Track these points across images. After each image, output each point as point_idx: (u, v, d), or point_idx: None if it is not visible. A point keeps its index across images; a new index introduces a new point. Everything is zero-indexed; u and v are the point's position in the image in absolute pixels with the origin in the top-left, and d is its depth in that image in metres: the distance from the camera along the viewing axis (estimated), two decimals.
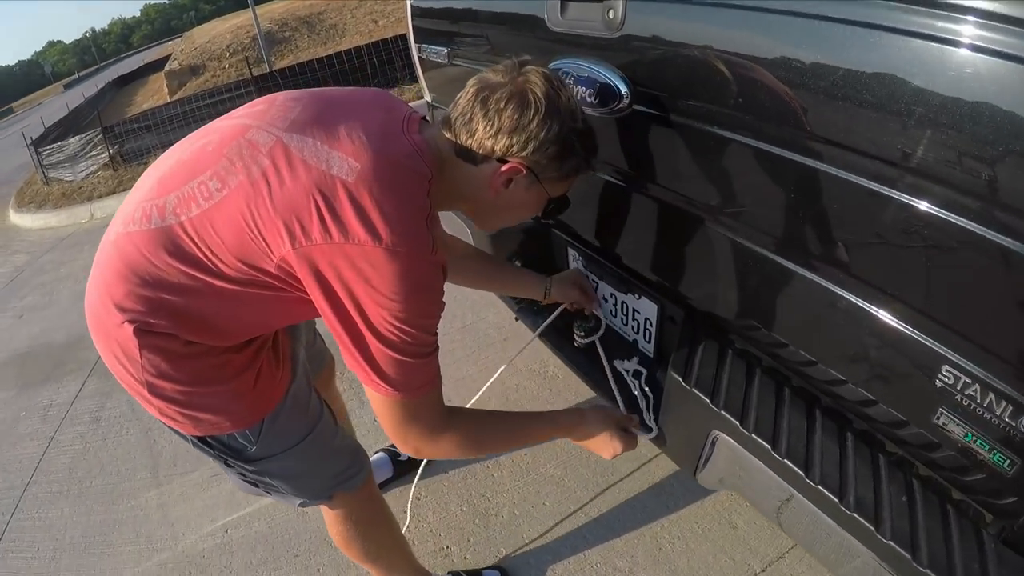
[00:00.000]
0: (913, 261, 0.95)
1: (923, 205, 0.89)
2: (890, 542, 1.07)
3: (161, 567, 2.61)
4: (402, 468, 2.64)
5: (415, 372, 1.22)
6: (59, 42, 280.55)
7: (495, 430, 1.49)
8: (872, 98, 0.89)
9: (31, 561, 2.81)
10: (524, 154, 1.22)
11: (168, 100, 14.72)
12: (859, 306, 1.06)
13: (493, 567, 2.23)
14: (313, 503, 1.64)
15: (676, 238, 1.46)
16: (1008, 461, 0.93)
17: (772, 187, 1.14)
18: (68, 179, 10.59)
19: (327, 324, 1.20)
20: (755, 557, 2.10)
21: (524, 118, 1.19)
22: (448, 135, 1.27)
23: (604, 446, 1.61)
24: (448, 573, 2.17)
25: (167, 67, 23.77)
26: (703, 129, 1.22)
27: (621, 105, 1.37)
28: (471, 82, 1.26)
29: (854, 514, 1.12)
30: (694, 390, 1.39)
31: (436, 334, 1.25)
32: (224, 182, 1.16)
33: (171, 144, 1.35)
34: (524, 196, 1.31)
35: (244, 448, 1.42)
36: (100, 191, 9.25)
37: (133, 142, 10.79)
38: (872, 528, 1.09)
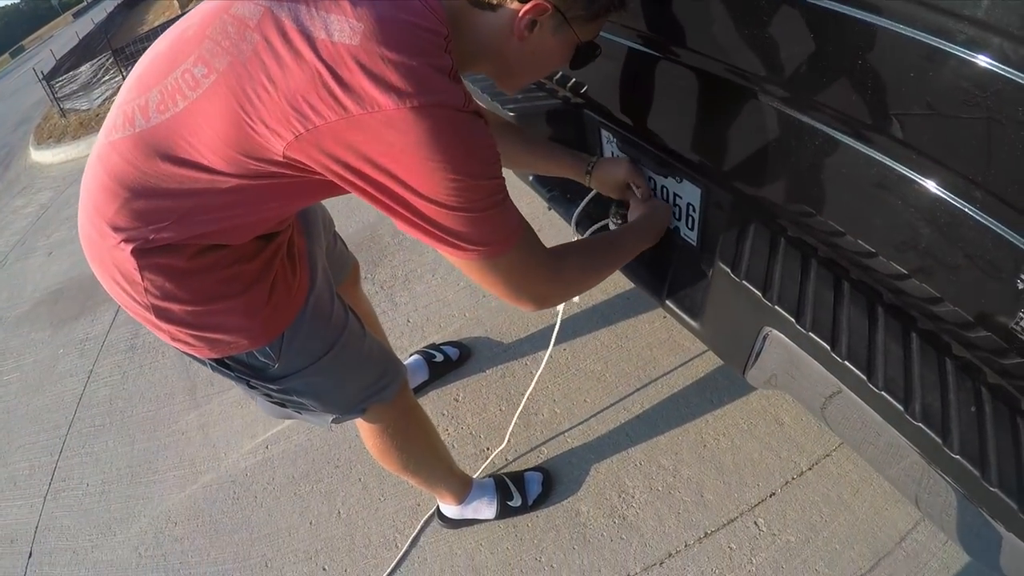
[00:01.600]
0: (1000, 139, 0.82)
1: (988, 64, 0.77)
2: (958, 456, 0.97)
3: (206, 489, 2.63)
4: (438, 370, 2.59)
5: (496, 223, 1.09)
6: None
7: (604, 250, 1.40)
8: None
9: (82, 498, 2.83)
10: None
11: (179, 13, 14.32)
12: (930, 191, 0.94)
13: (535, 468, 2.18)
14: (346, 418, 1.55)
15: (721, 114, 1.32)
16: None
17: (831, 49, 1.01)
18: (84, 108, 10.41)
19: (373, 205, 1.05)
20: (802, 455, 2.05)
21: None
22: None
23: (662, 222, 1.56)
24: (489, 477, 2.14)
25: None
26: None
27: None
28: None
29: (920, 424, 1.01)
30: (744, 282, 1.26)
31: (501, 177, 1.08)
32: (210, 66, 1.00)
33: None
34: (551, 42, 1.16)
35: (266, 366, 1.31)
36: None
37: None
38: (939, 440, 0.99)
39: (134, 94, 1.08)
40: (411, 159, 0.96)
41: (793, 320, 1.18)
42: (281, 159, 1.00)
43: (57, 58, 14.26)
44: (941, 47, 0.84)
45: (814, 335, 1.15)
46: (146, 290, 1.12)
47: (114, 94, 10.00)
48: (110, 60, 10.53)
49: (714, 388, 2.29)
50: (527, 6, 1.06)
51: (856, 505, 1.91)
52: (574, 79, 1.77)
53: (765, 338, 1.30)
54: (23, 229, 6.28)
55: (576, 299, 1.80)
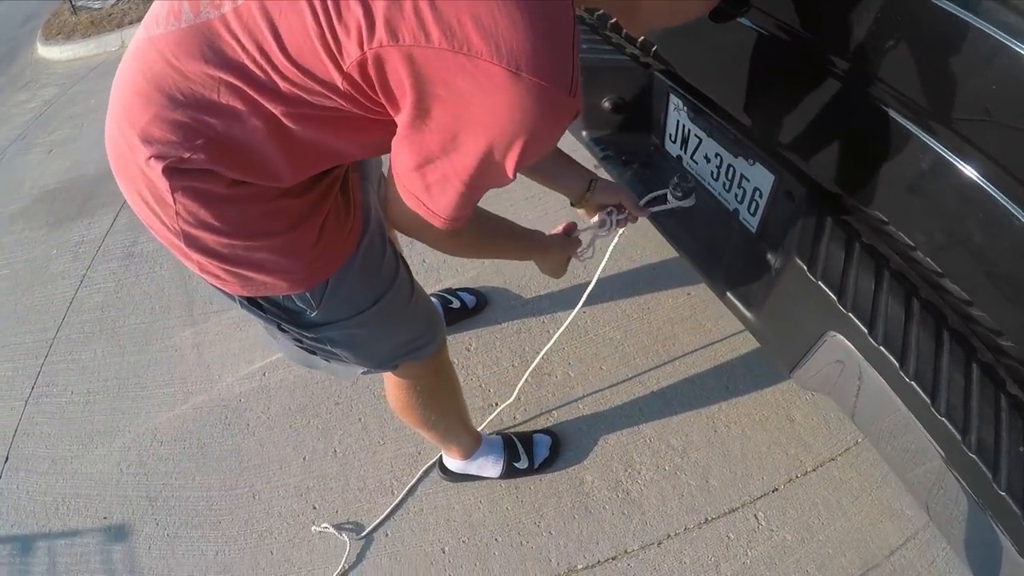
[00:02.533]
0: None
1: None
2: (1003, 494, 0.97)
3: (196, 410, 2.55)
4: (453, 317, 2.52)
5: (472, 201, 1.00)
6: None
7: (507, 237, 1.36)
8: None
9: (65, 405, 2.75)
10: None
11: None
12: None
13: (544, 431, 2.14)
14: (376, 371, 1.46)
15: (816, 102, 1.22)
16: None
17: (954, 60, 0.94)
18: (97, 6, 10.01)
19: (396, 140, 0.95)
20: (808, 454, 2.05)
21: None
22: None
23: (553, 268, 1.56)
24: (497, 435, 2.09)
25: None
26: None
27: None
28: None
29: (974, 456, 1.01)
30: (820, 283, 1.21)
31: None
32: None
33: None
34: None
35: (302, 312, 1.19)
36: (131, 16, 8.58)
37: None
38: (989, 475, 0.99)
39: None
40: (474, 117, 0.84)
41: (866, 331, 1.14)
42: (340, 84, 0.88)
43: None
44: None
45: (885, 349, 1.12)
46: (177, 214, 0.99)
47: None
48: None
49: (731, 374, 2.26)
50: None
51: (853, 513, 1.92)
52: (646, 36, 1.67)
53: (826, 342, 1.26)
54: (24, 124, 6.01)
55: (603, 263, 1.72)
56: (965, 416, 1.03)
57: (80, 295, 3.30)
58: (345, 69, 0.85)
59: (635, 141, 1.92)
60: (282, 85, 0.89)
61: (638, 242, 2.73)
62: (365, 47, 0.81)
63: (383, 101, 0.89)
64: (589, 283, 1.75)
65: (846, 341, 1.20)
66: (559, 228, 1.53)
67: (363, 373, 1.44)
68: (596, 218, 1.55)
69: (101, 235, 3.71)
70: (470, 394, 2.30)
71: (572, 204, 1.57)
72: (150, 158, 0.94)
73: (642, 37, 1.67)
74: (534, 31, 0.78)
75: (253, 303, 1.18)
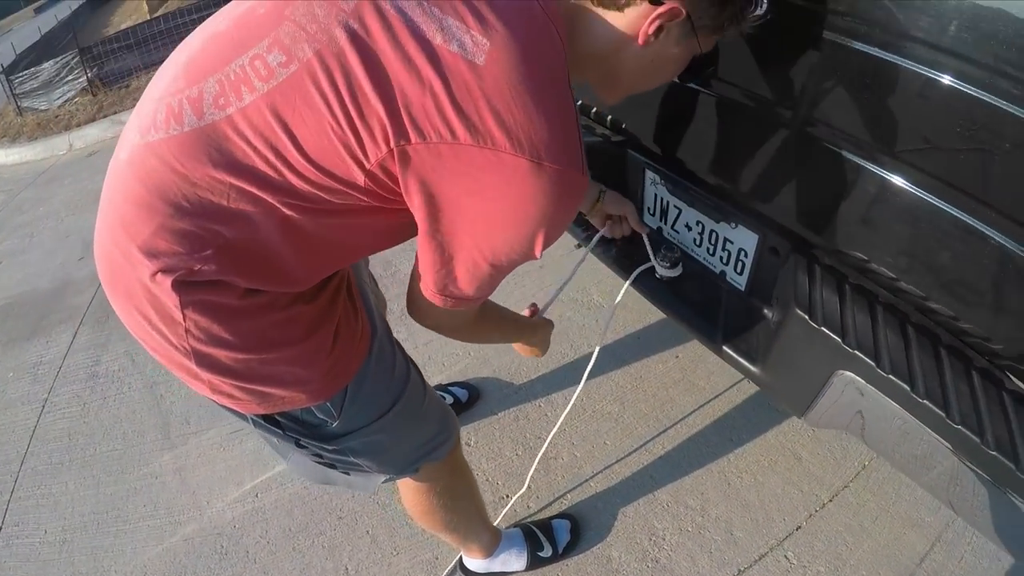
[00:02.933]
0: None
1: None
2: None
3: (188, 542, 2.37)
4: (458, 408, 2.50)
5: (494, 282, 1.02)
6: None
7: (501, 326, 1.42)
8: None
9: (39, 547, 2.52)
10: None
11: (149, 18, 14.08)
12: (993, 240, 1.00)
13: (561, 515, 2.12)
14: (398, 478, 1.45)
15: (788, 161, 1.31)
16: None
17: (903, 103, 1.04)
18: (43, 108, 9.93)
19: (423, 237, 0.95)
20: (822, 487, 2.08)
21: None
22: None
23: (539, 346, 1.61)
24: (515, 527, 2.06)
25: None
26: (822, 35, 1.10)
27: (756, 15, 1.19)
28: None
29: (995, 453, 1.06)
30: (823, 329, 1.26)
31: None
32: (291, 54, 0.84)
33: (159, 64, 0.98)
34: (672, 51, 1.04)
35: (323, 424, 1.15)
36: (79, 119, 8.59)
37: (113, 63, 9.98)
38: (1013, 467, 1.04)
39: (182, 83, 0.90)
40: (498, 208, 0.88)
41: (873, 364, 1.20)
42: (361, 181, 0.88)
43: (17, 52, 13.77)
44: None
45: (894, 377, 1.17)
46: (187, 331, 0.94)
47: (77, 95, 9.50)
48: (75, 59, 9.95)
49: (732, 427, 2.29)
50: (661, 9, 0.95)
51: (877, 532, 1.96)
52: (611, 115, 1.75)
53: (837, 382, 1.31)
54: None
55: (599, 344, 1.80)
56: (978, 420, 1.09)
57: (43, 422, 3.07)
58: (368, 167, 0.86)
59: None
60: (298, 185, 0.88)
61: (620, 314, 2.77)
62: (391, 144, 0.83)
63: (405, 196, 0.90)
64: (587, 363, 1.80)
65: (856, 377, 1.25)
66: (525, 311, 1.57)
67: (384, 482, 1.41)
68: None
69: (61, 355, 3.49)
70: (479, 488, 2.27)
71: (583, 213, 1.65)
72: (156, 272, 0.90)
73: (610, 117, 1.75)
74: (547, 119, 0.84)
75: (269, 420, 1.14)
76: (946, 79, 0.96)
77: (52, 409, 3.14)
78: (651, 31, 0.97)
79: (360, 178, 0.87)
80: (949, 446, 1.13)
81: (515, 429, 2.43)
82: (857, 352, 1.21)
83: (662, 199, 1.72)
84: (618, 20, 0.98)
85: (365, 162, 0.86)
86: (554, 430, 2.03)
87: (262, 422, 1.14)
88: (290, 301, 1.02)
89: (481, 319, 1.23)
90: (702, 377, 2.47)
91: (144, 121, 0.92)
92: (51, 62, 10.42)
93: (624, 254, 1.78)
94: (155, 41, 9.98)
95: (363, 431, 1.21)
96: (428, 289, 1.02)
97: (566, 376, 2.58)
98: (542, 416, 2.46)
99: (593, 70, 1.07)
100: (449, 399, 2.51)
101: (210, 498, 2.49)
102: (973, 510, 1.22)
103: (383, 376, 1.23)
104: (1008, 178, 0.95)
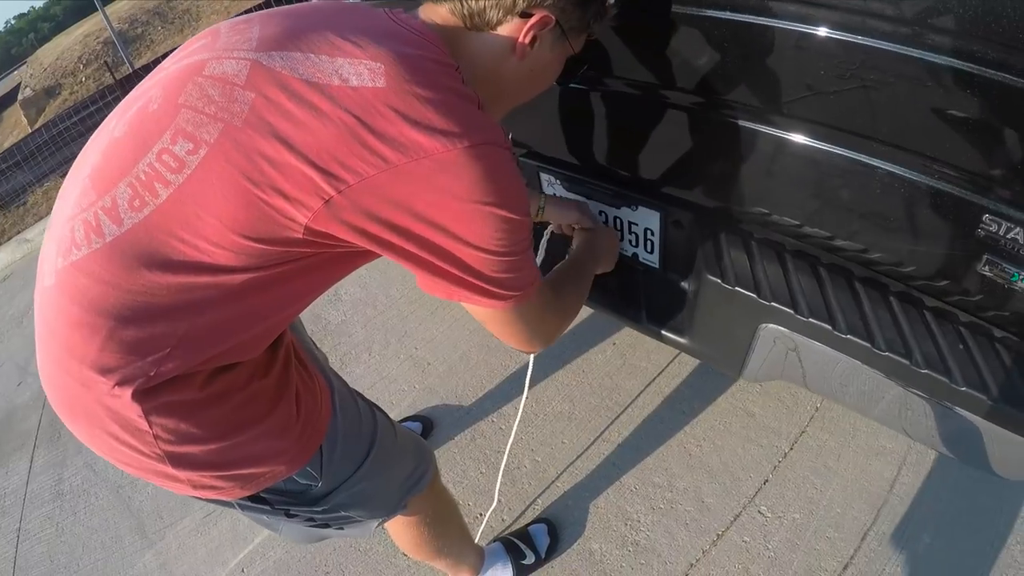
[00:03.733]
0: (930, 112, 0.94)
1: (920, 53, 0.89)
2: (964, 388, 1.08)
3: None
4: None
5: (529, 264, 1.03)
6: None
7: (575, 279, 1.35)
8: None
9: None
10: (548, 2, 0.99)
11: (31, 130, 13.83)
12: (879, 169, 1.05)
13: (537, 521, 2.14)
14: (390, 518, 1.44)
15: (668, 136, 1.36)
16: None
17: (756, 51, 1.09)
18: None
19: (403, 263, 0.95)
20: (780, 438, 2.14)
21: None
22: (449, 5, 1.02)
23: (615, 249, 1.57)
24: (495, 542, 2.07)
25: (20, 96, 22.31)
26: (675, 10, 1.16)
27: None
28: None
29: (926, 371, 1.10)
30: (737, 289, 1.31)
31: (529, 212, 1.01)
32: (196, 140, 0.85)
33: (53, 175, 1.01)
34: (548, 57, 1.09)
35: (307, 488, 1.16)
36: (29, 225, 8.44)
37: (5, 184, 9.89)
38: (946, 380, 1.09)
39: (92, 196, 0.89)
40: (463, 204, 0.88)
41: (792, 311, 1.23)
42: (301, 236, 0.87)
43: None
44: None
45: (814, 320, 1.21)
46: (156, 437, 0.92)
47: None
48: None
49: (681, 399, 2.34)
50: (533, 20, 1.00)
51: (842, 469, 2.03)
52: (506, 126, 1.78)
53: (762, 334, 1.34)
54: None
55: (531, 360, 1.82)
56: (904, 343, 1.13)
57: (22, 550, 3.00)
58: (305, 222, 0.86)
59: None
60: (236, 261, 0.87)
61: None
62: (326, 194, 0.84)
63: (358, 241, 0.91)
64: (526, 370, 1.82)
65: (779, 327, 1.28)
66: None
67: (378, 525, 1.40)
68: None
69: (23, 482, 3.39)
70: None
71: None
72: (114, 387, 0.88)
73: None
74: (457, 110, 0.87)
75: (255, 500, 1.12)
76: (804, 28, 1.01)
77: (27, 536, 3.06)
78: (527, 42, 1.02)
79: (300, 235, 0.87)
80: (882, 374, 1.17)
81: (474, 448, 2.44)
82: (774, 303, 1.25)
83: (561, 197, 1.75)
84: (492, 40, 1.03)
85: (301, 220, 0.86)
86: (510, 441, 2.03)
87: (249, 503, 1.12)
88: (247, 380, 1.02)
89: (559, 290, 1.24)
90: (642, 358, 2.52)
91: (62, 243, 0.91)
92: None
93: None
94: (42, 152, 9.84)
95: (347, 484, 1.22)
96: (484, 304, 1.02)
97: (511, 387, 2.62)
98: (497, 431, 2.48)
99: (478, 88, 1.07)
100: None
101: None
102: (928, 432, 1.25)
103: (353, 427, 1.24)
104: (884, 109, 0.99)
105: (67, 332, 0.89)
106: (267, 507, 1.15)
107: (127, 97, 0.98)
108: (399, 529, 1.56)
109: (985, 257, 0.99)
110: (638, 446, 2.24)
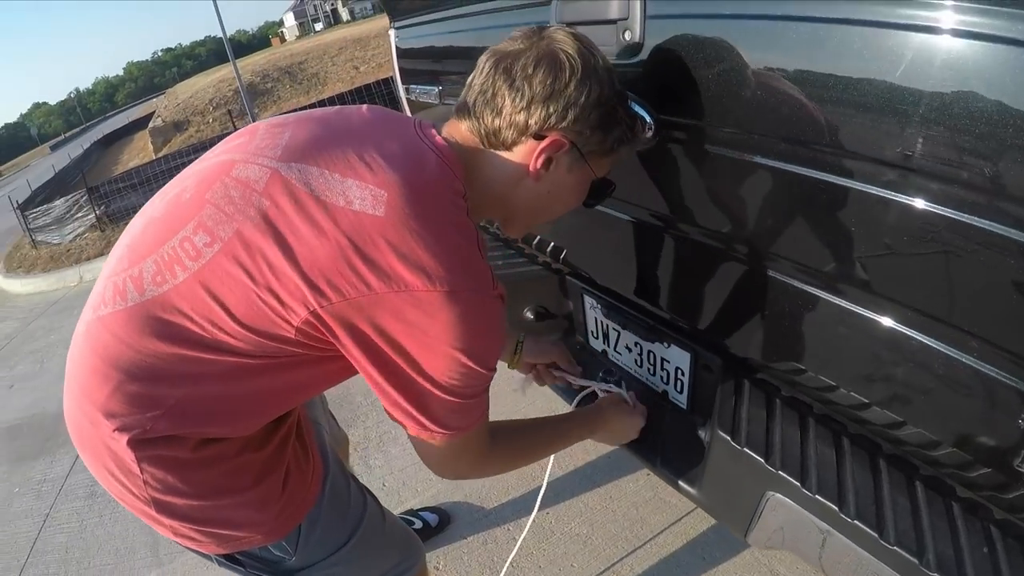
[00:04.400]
0: (981, 288, 0.86)
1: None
2: None
3: None
4: (422, 535, 2.47)
5: (472, 410, 1.07)
6: (44, 103, 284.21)
7: (536, 438, 1.39)
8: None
9: None
10: (564, 124, 1.02)
11: (153, 157, 14.74)
12: (917, 340, 0.97)
13: None
14: None
15: (706, 279, 1.35)
16: None
17: (810, 215, 1.05)
18: (56, 242, 10.54)
19: (367, 379, 1.02)
20: None
21: (559, 82, 1.00)
22: (468, 123, 1.08)
23: (625, 428, 1.56)
24: None
25: (151, 124, 23.93)
26: (735, 157, 1.12)
27: (646, 135, 1.24)
28: (484, 57, 1.07)
29: (935, 574, 1.00)
30: (746, 450, 1.26)
31: (496, 367, 1.07)
32: (213, 234, 0.95)
33: None
34: (567, 180, 1.11)
35: (281, 560, 1.21)
36: (88, 253, 9.22)
37: (119, 202, 10.71)
38: None
39: (125, 264, 1.01)
40: (431, 339, 0.94)
41: (798, 484, 1.17)
42: (292, 336, 0.95)
43: (32, 188, 14.34)
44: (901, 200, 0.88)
45: (820, 497, 1.14)
46: (145, 483, 1.02)
47: (86, 231, 10.27)
48: (84, 197, 10.64)
49: (705, 544, 2.23)
50: (544, 143, 1.03)
51: None
52: (553, 244, 1.80)
53: (768, 502, 1.28)
54: None
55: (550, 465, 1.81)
56: (918, 537, 1.04)
57: (44, 535, 3.23)
58: (296, 325, 0.94)
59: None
60: (236, 345, 0.96)
61: None
62: (312, 307, 0.92)
63: (342, 349, 0.98)
64: (540, 488, 1.81)
65: (785, 498, 1.22)
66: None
67: None
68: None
69: (64, 474, 3.68)
70: None
71: (508, 365, 1.66)
72: (114, 431, 0.98)
73: (552, 244, 1.81)
74: (449, 252, 0.93)
75: (232, 559, 1.19)
76: (845, 182, 0.96)
77: (52, 524, 3.31)
78: (540, 164, 1.06)
79: (291, 334, 0.95)
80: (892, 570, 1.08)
81: (483, 552, 2.40)
82: (781, 472, 1.20)
83: (601, 322, 1.75)
84: (510, 158, 1.08)
85: (292, 322, 0.94)
86: (513, 553, 2.00)
87: (225, 561, 1.19)
88: (239, 450, 1.09)
89: (503, 451, 1.27)
90: (675, 495, 2.40)
91: (96, 298, 1.04)
92: (62, 200, 11.08)
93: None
94: (157, 180, 10.64)
95: (321, 564, 1.26)
96: (414, 430, 1.07)
97: (535, 499, 2.55)
98: (510, 539, 2.43)
99: (495, 207, 1.16)
100: (419, 524, 2.50)
101: None
102: None
103: (337, 512, 1.28)
104: (938, 281, 0.92)
105: (84, 377, 1.01)
106: (241, 568, 1.20)
107: (174, 179, 1.10)
108: None
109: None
110: None
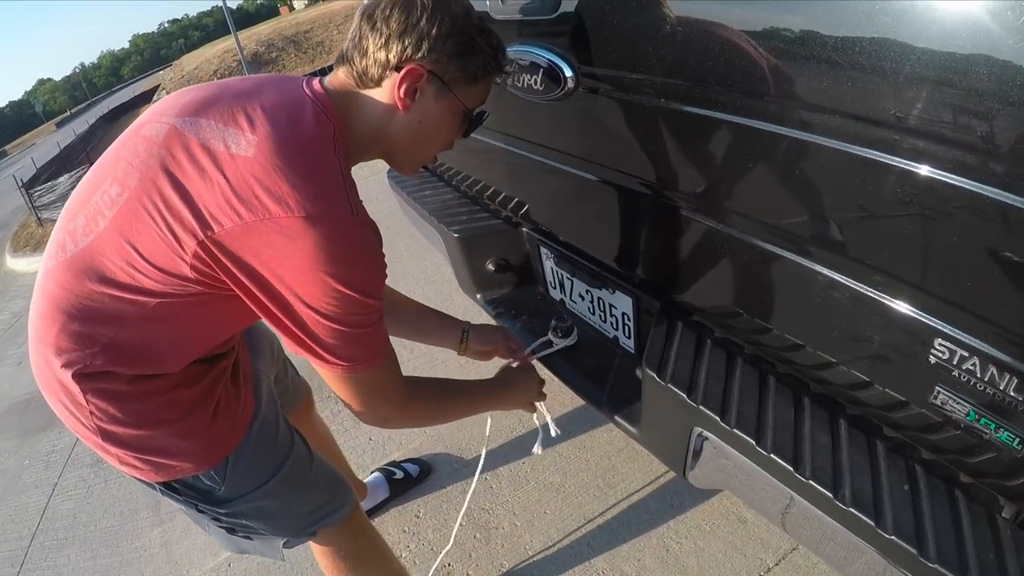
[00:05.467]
0: (892, 229, 0.89)
1: (902, 165, 0.83)
2: (893, 537, 0.96)
3: None
4: (398, 487, 2.56)
5: (364, 342, 1.17)
6: (49, 79, 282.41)
7: (457, 398, 1.53)
8: (817, 52, 0.86)
9: None
10: (420, 55, 1.13)
11: None
12: (841, 282, 1.00)
13: None
14: (296, 542, 1.54)
15: (642, 226, 1.41)
16: (1017, 440, 0.85)
17: (736, 161, 1.09)
18: None
19: (259, 312, 1.13)
20: (767, 551, 2.04)
21: (411, 18, 1.11)
22: (344, 69, 1.19)
23: (526, 389, 1.68)
24: None
25: (154, 97, 23.79)
26: (657, 105, 1.16)
27: (567, 88, 1.31)
28: (358, 10, 1.19)
29: (851, 509, 1.01)
30: (670, 386, 1.30)
31: (380, 300, 1.16)
32: (124, 185, 1.09)
33: None
34: (435, 109, 1.20)
35: (212, 490, 1.31)
36: None
37: None
38: (872, 523, 0.98)
39: (65, 220, 1.17)
40: (298, 264, 1.03)
41: (718, 418, 1.21)
42: (190, 272, 1.07)
43: (37, 167, 14.38)
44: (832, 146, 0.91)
45: (739, 431, 1.17)
46: (92, 413, 1.14)
47: None
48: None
49: (674, 492, 2.29)
50: (402, 72, 1.13)
51: None
52: (514, 200, 1.85)
53: (698, 438, 1.32)
54: None
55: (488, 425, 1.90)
56: (835, 472, 1.05)
57: (53, 503, 3.34)
58: (188, 260, 1.05)
59: (524, 295, 2.09)
60: (150, 285, 1.09)
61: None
62: (200, 236, 1.03)
63: (229, 283, 1.09)
64: (536, 437, 1.85)
65: (711, 434, 1.27)
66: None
67: (284, 546, 1.50)
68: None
69: (71, 444, 3.80)
70: (423, 558, 2.30)
71: (459, 353, 1.75)
72: (62, 367, 1.11)
73: (503, 194, 1.86)
74: (307, 181, 1.03)
75: (171, 488, 1.30)
76: (765, 126, 1.00)
77: (60, 492, 3.43)
78: (403, 94, 1.15)
79: (187, 270, 1.07)
80: (811, 504, 1.09)
81: (462, 500, 2.43)
82: (702, 407, 1.23)
83: (555, 272, 1.81)
84: (381, 95, 1.18)
85: (185, 256, 1.05)
86: (471, 491, 2.11)
87: (166, 490, 1.30)
88: (172, 386, 1.22)
89: (420, 406, 1.40)
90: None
91: (46, 254, 1.20)
92: (67, 176, 10.97)
93: (528, 328, 1.86)
94: None
95: (247, 497, 1.36)
96: (320, 366, 1.18)
97: (512, 451, 2.65)
98: (488, 487, 2.51)
99: (376, 144, 1.25)
100: (401, 474, 2.58)
101: (189, 568, 2.63)
102: None
103: (264, 448, 1.38)
104: (839, 216, 0.97)
105: (39, 321, 1.16)
106: (180, 497, 1.31)
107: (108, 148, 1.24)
108: (319, 557, 1.66)
109: (937, 388, 0.92)
110: (617, 531, 2.22)
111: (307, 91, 1.16)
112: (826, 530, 1.11)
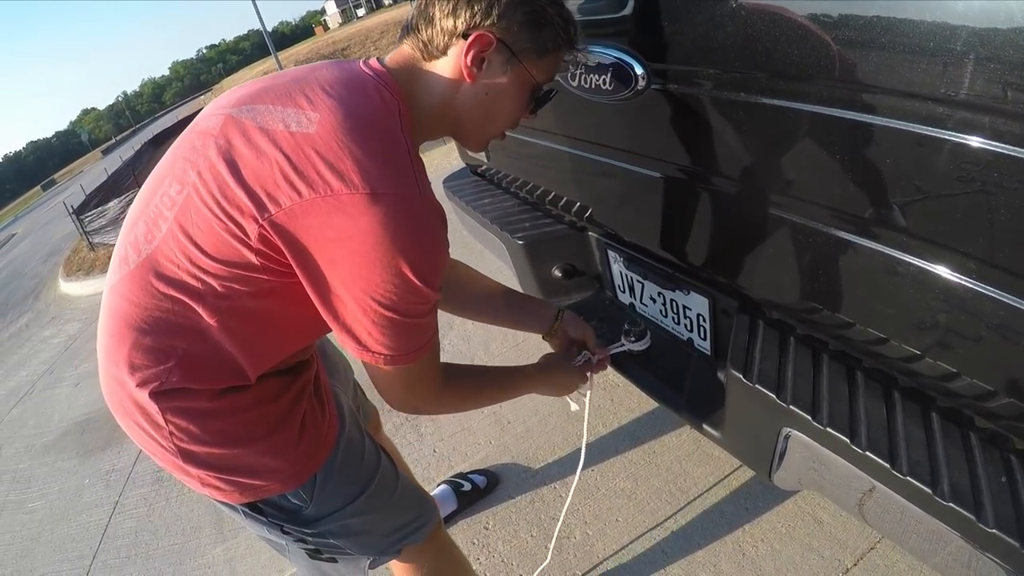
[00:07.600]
0: (985, 214, 0.86)
1: (980, 143, 0.81)
2: (994, 531, 0.93)
3: None
4: (466, 499, 2.56)
5: (416, 333, 1.11)
6: (93, 109, 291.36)
7: (492, 384, 1.46)
8: (912, 39, 0.83)
9: None
10: (490, 22, 1.08)
11: None
12: (930, 271, 0.97)
13: None
14: (382, 561, 1.51)
15: (718, 224, 1.38)
16: None
17: (817, 151, 1.06)
18: (112, 242, 10.69)
19: (316, 301, 1.07)
20: (845, 551, 2.00)
21: None
22: (409, 40, 1.15)
23: (567, 382, 1.61)
24: None
25: None
26: (734, 99, 1.14)
27: (639, 87, 1.29)
28: None
29: (951, 504, 0.97)
30: (758, 386, 1.27)
31: (439, 291, 1.08)
32: (183, 182, 1.05)
33: None
34: (504, 82, 1.15)
35: (299, 509, 1.28)
36: None
37: None
38: (973, 518, 0.95)
39: (125, 232, 1.14)
40: (358, 245, 0.98)
41: (809, 418, 1.17)
42: (256, 259, 1.02)
43: (87, 193, 14.74)
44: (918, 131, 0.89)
45: (832, 430, 1.14)
46: (171, 434, 1.11)
47: None
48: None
49: (748, 495, 2.26)
50: (469, 40, 1.08)
51: None
52: (579, 204, 1.85)
53: (786, 439, 1.29)
54: (51, 359, 6.41)
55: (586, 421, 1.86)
56: (932, 467, 1.03)
57: (114, 521, 3.39)
58: (254, 246, 1.01)
59: (592, 300, 2.07)
60: (217, 285, 1.04)
61: (634, 392, 2.81)
62: (260, 220, 0.99)
63: (293, 265, 1.03)
64: (602, 442, 1.83)
65: (800, 434, 1.23)
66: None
67: (369, 566, 1.48)
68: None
69: (130, 463, 3.85)
70: (494, 570, 2.29)
71: (543, 337, 1.69)
72: (137, 386, 1.08)
73: (564, 199, 1.85)
74: (373, 157, 0.98)
75: (255, 510, 1.26)
76: (860, 117, 0.97)
77: (122, 510, 3.47)
78: (470, 62, 1.10)
79: (253, 257, 1.02)
80: (907, 500, 1.06)
81: (531, 511, 2.46)
82: (792, 407, 1.20)
83: (625, 275, 1.79)
84: (446, 67, 1.13)
85: (250, 242, 1.01)
86: (563, 510, 2.05)
87: (249, 511, 1.27)
88: (255, 402, 1.17)
89: (455, 392, 1.33)
90: (717, 448, 2.42)
91: (108, 271, 1.16)
92: (116, 201, 11.26)
93: (599, 334, 1.84)
94: None
95: (336, 515, 1.32)
96: (361, 355, 1.11)
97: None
98: (557, 497, 2.49)
99: (442, 119, 1.20)
100: (468, 486, 2.58)
101: None
102: None
103: (351, 466, 1.35)
104: (933, 207, 0.94)
105: (108, 341, 1.12)
106: (264, 519, 1.28)
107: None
108: (399, 574, 1.63)
109: None
110: (692, 537, 2.19)
111: (367, 70, 1.12)
112: (915, 521, 1.08)
